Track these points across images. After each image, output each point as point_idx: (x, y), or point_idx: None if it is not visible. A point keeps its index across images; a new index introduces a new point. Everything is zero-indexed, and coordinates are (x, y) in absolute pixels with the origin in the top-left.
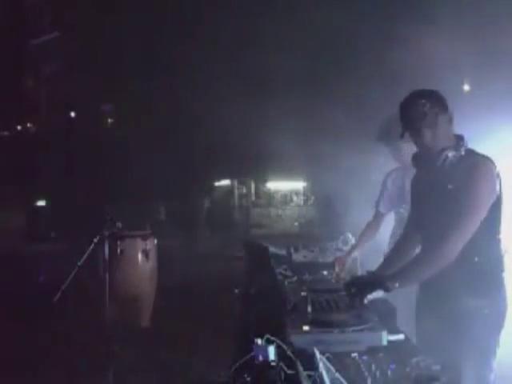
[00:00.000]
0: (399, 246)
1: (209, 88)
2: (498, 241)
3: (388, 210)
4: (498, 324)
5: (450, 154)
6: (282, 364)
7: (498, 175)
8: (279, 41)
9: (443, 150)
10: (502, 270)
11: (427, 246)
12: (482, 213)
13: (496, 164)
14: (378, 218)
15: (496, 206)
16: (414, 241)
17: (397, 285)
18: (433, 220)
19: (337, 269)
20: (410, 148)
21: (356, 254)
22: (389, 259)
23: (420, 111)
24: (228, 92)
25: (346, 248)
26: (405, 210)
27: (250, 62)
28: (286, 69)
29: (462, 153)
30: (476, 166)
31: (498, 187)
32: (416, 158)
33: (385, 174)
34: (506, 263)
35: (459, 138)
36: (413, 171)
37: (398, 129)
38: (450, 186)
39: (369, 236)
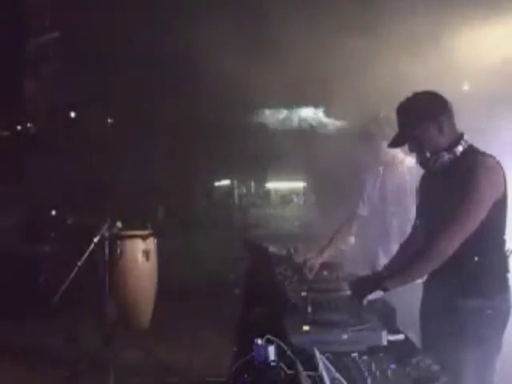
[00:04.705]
0: (406, 244)
1: (208, 87)
2: (503, 241)
3: (368, 213)
4: (501, 325)
5: (446, 156)
6: (281, 364)
7: (502, 173)
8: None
9: (437, 151)
10: (506, 271)
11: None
12: (482, 209)
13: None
14: (353, 220)
15: (499, 206)
16: (420, 240)
17: (396, 284)
18: (434, 218)
19: (305, 270)
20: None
21: (326, 256)
22: (396, 258)
23: (416, 114)
24: (227, 91)
25: (346, 248)
26: (388, 210)
27: (251, 59)
28: (284, 68)
29: (458, 154)
30: (477, 163)
31: (502, 185)
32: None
33: (363, 175)
34: (510, 264)
35: (458, 137)
36: (396, 170)
37: (379, 128)
38: (451, 184)
39: (341, 240)
